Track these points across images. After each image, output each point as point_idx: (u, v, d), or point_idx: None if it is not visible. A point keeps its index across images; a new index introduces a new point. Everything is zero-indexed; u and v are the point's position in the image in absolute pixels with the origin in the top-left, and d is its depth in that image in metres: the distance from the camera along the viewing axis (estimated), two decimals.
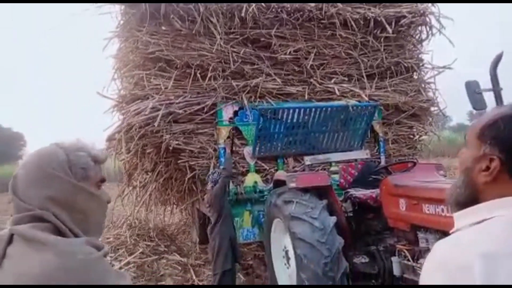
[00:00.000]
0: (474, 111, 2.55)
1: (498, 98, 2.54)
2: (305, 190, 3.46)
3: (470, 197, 0.83)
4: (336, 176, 4.45)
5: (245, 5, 4.68)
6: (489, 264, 0.67)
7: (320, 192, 3.52)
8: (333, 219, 3.25)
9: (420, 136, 5.97)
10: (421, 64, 5.78)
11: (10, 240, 0.86)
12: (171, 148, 4.57)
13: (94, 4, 5.03)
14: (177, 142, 4.55)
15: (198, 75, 4.70)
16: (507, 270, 0.66)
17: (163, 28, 4.72)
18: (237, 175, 4.92)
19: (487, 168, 0.79)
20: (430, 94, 5.88)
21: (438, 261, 0.76)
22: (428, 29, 5.68)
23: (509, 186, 0.77)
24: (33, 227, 0.86)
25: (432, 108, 5.87)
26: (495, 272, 0.66)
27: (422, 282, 0.78)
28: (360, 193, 3.66)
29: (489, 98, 2.62)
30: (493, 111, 0.87)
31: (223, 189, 4.01)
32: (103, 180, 1.02)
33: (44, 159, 0.94)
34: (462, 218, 0.84)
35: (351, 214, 3.76)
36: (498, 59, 2.57)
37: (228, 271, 3.87)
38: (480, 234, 0.75)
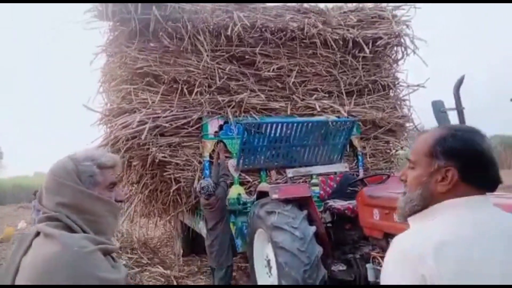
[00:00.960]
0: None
1: (461, 116, 2.81)
2: (286, 201, 3.62)
3: (424, 205, 0.97)
4: (317, 188, 4.64)
5: (231, 24, 4.91)
6: (442, 252, 0.82)
7: (301, 203, 3.69)
8: (313, 228, 3.42)
9: (396, 150, 6.26)
10: (396, 83, 6.11)
11: (36, 234, 1.02)
12: (157, 160, 4.69)
13: (84, 18, 5.15)
14: (163, 155, 4.67)
15: (185, 90, 4.87)
16: (456, 256, 0.82)
17: (152, 44, 4.88)
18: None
19: (443, 179, 0.93)
20: (405, 110, 6.20)
21: (399, 252, 0.89)
22: (403, 49, 6.04)
23: (466, 191, 0.92)
24: (47, 225, 1.03)
25: (407, 124, 6.18)
26: (446, 258, 0.82)
27: (384, 273, 0.91)
28: (338, 204, 3.86)
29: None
30: (434, 132, 1.01)
31: (226, 191, 4.50)
32: (113, 184, 1.17)
33: (56, 170, 1.10)
34: (417, 219, 0.98)
35: (330, 224, 3.94)
36: (460, 81, 2.84)
37: (230, 266, 4.42)
38: (434, 228, 0.90)
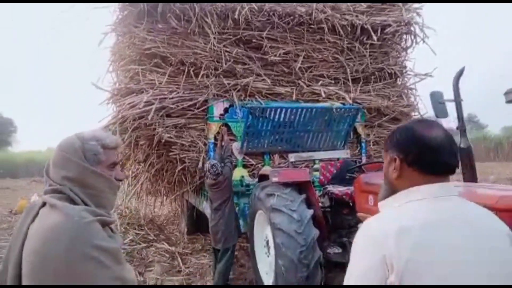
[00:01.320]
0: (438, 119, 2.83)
1: (459, 108, 2.84)
2: (286, 185, 3.73)
3: (391, 191, 1.11)
4: (318, 173, 4.74)
5: (238, 7, 4.92)
6: (402, 236, 0.91)
7: (300, 187, 3.80)
8: (310, 212, 3.53)
9: None
10: (404, 71, 6.07)
11: (43, 205, 1.14)
12: (163, 140, 4.80)
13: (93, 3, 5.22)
14: (169, 135, 4.78)
15: (192, 72, 4.93)
16: (414, 240, 0.91)
17: (160, 26, 4.93)
18: None
19: (395, 168, 1.08)
20: (412, 99, 6.19)
21: (366, 233, 1.00)
22: (412, 37, 5.98)
23: (412, 175, 1.05)
24: (52, 196, 1.15)
25: (412, 113, 6.17)
26: (405, 241, 0.91)
27: (353, 252, 1.01)
28: (336, 189, 3.95)
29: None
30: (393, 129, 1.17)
31: (231, 171, 4.55)
32: (114, 163, 1.29)
33: (64, 146, 1.22)
34: (385, 205, 1.11)
35: (328, 209, 4.05)
36: (460, 73, 2.86)
37: (234, 245, 4.45)
38: (398, 213, 1.02)
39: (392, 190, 1.10)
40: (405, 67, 6.14)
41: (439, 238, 0.92)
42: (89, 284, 1.05)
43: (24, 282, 1.06)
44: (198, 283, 4.47)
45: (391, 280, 0.89)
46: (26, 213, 1.16)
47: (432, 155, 1.03)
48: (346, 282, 1.00)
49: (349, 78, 5.63)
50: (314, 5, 5.33)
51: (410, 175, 1.05)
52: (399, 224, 0.94)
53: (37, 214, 1.13)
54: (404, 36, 5.99)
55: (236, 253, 5.91)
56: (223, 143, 4.88)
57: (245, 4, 4.92)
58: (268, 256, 3.98)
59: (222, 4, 4.88)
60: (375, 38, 5.50)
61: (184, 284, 4.70)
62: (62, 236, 1.04)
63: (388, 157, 1.10)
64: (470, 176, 2.76)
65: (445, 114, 2.84)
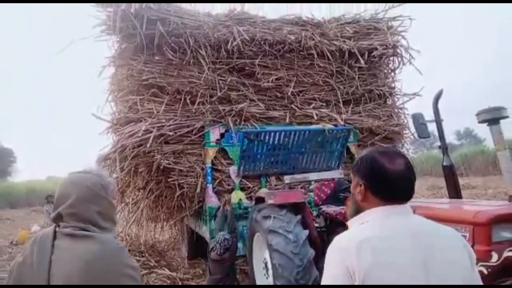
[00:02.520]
0: (419, 139, 2.98)
1: (439, 128, 3.00)
2: (282, 206, 3.84)
3: (357, 210, 1.27)
4: (313, 194, 4.85)
5: (230, 38, 5.17)
6: (362, 248, 1.07)
7: (296, 208, 3.91)
8: (306, 232, 3.63)
9: None
10: (392, 91, 6.30)
11: (54, 237, 1.29)
12: (161, 167, 4.94)
13: (93, 32, 5.45)
14: (167, 162, 4.93)
15: (188, 100, 5.14)
16: (371, 251, 1.07)
17: (156, 57, 5.17)
18: (223, 192, 5.31)
19: (359, 191, 1.24)
20: (403, 118, 6.38)
21: (333, 247, 1.17)
22: (398, 59, 6.23)
23: (373, 200, 1.21)
24: (75, 228, 1.30)
25: (404, 132, 6.35)
26: (364, 252, 1.06)
27: (325, 262, 1.17)
28: (331, 209, 4.06)
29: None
30: (359, 155, 1.31)
31: (236, 247, 4.41)
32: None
33: (91, 184, 1.38)
34: (352, 223, 1.27)
35: (324, 229, 4.14)
36: (439, 95, 3.03)
37: None
38: (359, 230, 1.18)
39: (357, 209, 1.26)
40: (394, 87, 6.36)
41: (391, 247, 1.09)
42: None
43: None
44: None
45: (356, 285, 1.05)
46: (38, 246, 1.29)
47: (391, 187, 1.19)
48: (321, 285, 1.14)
49: (340, 100, 5.83)
50: (303, 32, 5.61)
51: (372, 200, 1.21)
52: (358, 239, 1.11)
53: (53, 245, 1.27)
54: (391, 58, 6.25)
55: (237, 276, 5.97)
56: (225, 212, 4.78)
57: (237, 36, 5.18)
58: (267, 278, 4.03)
59: (215, 36, 5.14)
60: (362, 61, 5.74)
61: None
62: (104, 260, 1.24)
63: (355, 181, 1.26)
64: (454, 192, 2.89)
65: (427, 134, 3.00)
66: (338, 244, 1.15)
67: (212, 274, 4.20)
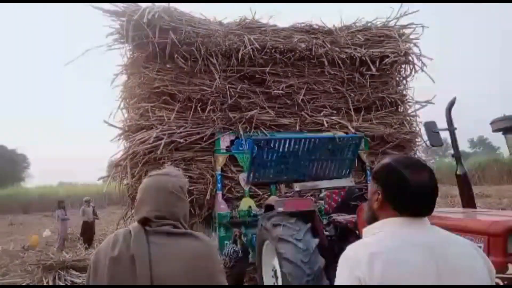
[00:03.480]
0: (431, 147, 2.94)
1: (452, 136, 2.96)
2: (292, 214, 3.81)
3: (372, 218, 1.23)
4: (323, 202, 4.80)
5: (242, 46, 5.21)
6: (373, 260, 1.05)
7: (306, 216, 3.87)
8: (316, 241, 3.58)
9: None
10: (404, 99, 6.24)
11: (146, 233, 1.31)
12: None
13: (106, 41, 5.55)
14: (177, 169, 4.94)
15: (199, 108, 5.18)
16: (383, 263, 1.04)
17: (168, 66, 5.24)
18: (233, 199, 5.30)
19: (377, 199, 1.20)
20: (415, 126, 6.31)
21: (345, 256, 1.14)
22: (410, 67, 6.19)
23: (389, 209, 1.17)
24: (172, 227, 1.35)
25: (416, 139, 6.28)
26: (376, 264, 1.04)
27: (337, 270, 1.14)
28: (341, 218, 4.01)
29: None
30: (384, 159, 1.28)
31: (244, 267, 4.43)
32: None
33: (172, 187, 1.40)
34: (366, 232, 1.24)
35: (334, 237, 4.09)
36: (452, 103, 2.99)
37: None
38: (372, 241, 1.14)
39: (372, 216, 1.22)
40: (405, 95, 6.31)
41: (402, 259, 1.06)
42: None
43: None
44: None
45: None
46: (135, 241, 1.28)
47: (411, 201, 1.14)
48: None
49: (351, 107, 5.81)
50: (314, 40, 5.62)
51: (389, 211, 1.17)
52: (370, 250, 1.08)
53: (148, 243, 1.28)
54: (403, 66, 6.21)
55: (246, 283, 5.93)
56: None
57: (248, 44, 5.22)
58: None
59: (226, 44, 5.18)
60: (374, 69, 5.72)
61: None
62: (211, 253, 1.34)
63: (374, 188, 1.22)
64: (468, 201, 2.84)
65: (439, 142, 2.96)
66: (349, 255, 1.12)
67: None
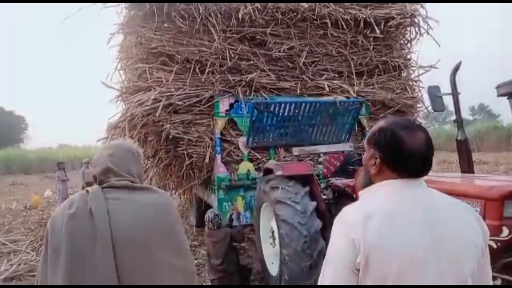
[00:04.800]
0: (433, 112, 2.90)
1: (456, 101, 2.91)
2: (290, 178, 3.84)
3: (369, 183, 1.22)
4: (322, 166, 4.84)
5: (242, 6, 5.01)
6: (368, 222, 1.04)
7: (304, 180, 3.91)
8: (313, 204, 3.65)
9: None
10: (408, 64, 6.10)
11: (104, 192, 1.35)
12: (171, 136, 4.95)
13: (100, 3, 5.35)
14: (176, 131, 4.93)
15: (197, 69, 5.06)
16: (377, 225, 1.04)
17: (166, 25, 5.05)
18: (231, 163, 5.33)
19: (374, 164, 1.18)
20: (417, 92, 6.22)
21: (340, 219, 1.14)
22: (416, 29, 6.00)
23: (388, 174, 1.16)
24: (127, 183, 1.39)
25: (418, 105, 6.21)
26: (370, 226, 1.04)
27: (332, 230, 1.14)
28: (339, 182, 4.05)
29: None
30: (377, 124, 1.24)
31: (239, 235, 4.22)
32: None
33: (133, 149, 1.53)
34: (362, 194, 1.23)
35: (332, 201, 4.15)
36: (457, 67, 2.92)
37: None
38: (367, 204, 1.14)
39: (369, 181, 1.21)
40: (409, 59, 6.17)
41: (400, 222, 1.05)
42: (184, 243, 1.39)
43: (129, 248, 1.25)
44: (207, 274, 4.63)
45: (358, 261, 1.02)
46: (92, 198, 1.31)
47: (409, 162, 1.13)
48: (325, 260, 1.13)
49: (353, 71, 5.69)
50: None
51: (387, 173, 1.16)
52: (365, 212, 1.07)
53: (105, 199, 1.31)
54: (408, 29, 6.01)
55: (243, 244, 6.11)
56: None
57: (248, 4, 5.00)
58: (273, 247, 4.11)
59: (226, 4, 4.97)
60: (378, 31, 5.55)
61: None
62: (169, 205, 1.40)
63: (370, 153, 1.20)
64: (467, 167, 2.85)
65: (442, 107, 2.92)
66: (344, 217, 1.12)
67: (211, 256, 4.09)
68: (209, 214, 4.14)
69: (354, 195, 3.87)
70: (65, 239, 1.22)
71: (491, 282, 1.14)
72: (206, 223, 4.14)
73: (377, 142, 1.17)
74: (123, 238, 1.24)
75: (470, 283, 1.04)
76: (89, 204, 1.28)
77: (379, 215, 1.06)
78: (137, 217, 1.28)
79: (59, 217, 1.29)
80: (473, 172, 2.92)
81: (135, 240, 1.24)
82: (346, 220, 1.10)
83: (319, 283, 1.10)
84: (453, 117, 3.02)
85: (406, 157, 1.12)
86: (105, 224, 1.23)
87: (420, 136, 1.13)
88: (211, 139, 5.15)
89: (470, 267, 1.05)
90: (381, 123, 1.22)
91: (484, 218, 2.09)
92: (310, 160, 5.33)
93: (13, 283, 4.79)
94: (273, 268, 4.02)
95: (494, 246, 1.92)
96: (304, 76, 5.53)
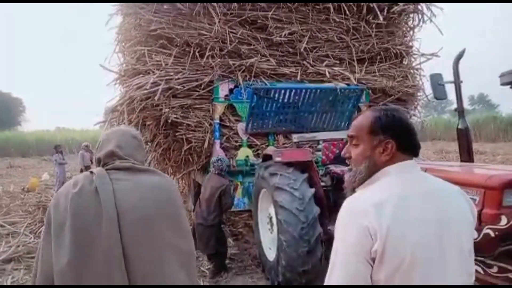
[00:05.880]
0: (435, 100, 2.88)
1: (458, 90, 2.88)
2: (289, 164, 3.84)
3: (370, 175, 1.15)
4: (321, 153, 4.83)
5: None
6: (381, 208, 1.02)
7: (303, 166, 3.90)
8: (312, 190, 3.65)
9: None
10: (410, 51, 6.04)
11: (109, 173, 1.35)
12: (169, 121, 4.91)
13: None
14: (175, 116, 4.89)
15: (197, 53, 4.98)
16: (390, 210, 1.01)
17: (165, 7, 4.95)
18: (230, 149, 5.31)
19: (383, 150, 1.13)
20: (418, 80, 6.17)
21: (348, 210, 1.09)
22: (419, 16, 5.91)
23: (399, 157, 1.13)
24: (134, 164, 1.41)
25: (418, 93, 6.17)
26: (384, 212, 1.01)
27: (337, 226, 1.10)
28: (338, 169, 4.05)
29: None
30: (369, 113, 1.19)
31: (230, 196, 4.41)
32: None
33: (138, 136, 1.54)
34: (363, 187, 1.17)
35: (330, 188, 4.16)
36: (460, 55, 2.88)
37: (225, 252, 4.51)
38: (373, 191, 1.11)
39: (372, 173, 1.15)
40: (411, 47, 6.10)
41: (411, 207, 1.04)
42: (186, 224, 1.40)
43: (135, 227, 1.25)
44: (205, 258, 4.66)
45: (375, 249, 0.99)
46: (98, 177, 1.31)
47: (414, 140, 1.17)
48: (333, 256, 1.07)
49: (354, 58, 5.63)
50: None
51: (397, 157, 1.13)
52: (378, 198, 1.04)
53: (110, 179, 1.31)
54: (411, 15, 5.93)
55: (241, 229, 6.15)
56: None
57: None
58: (271, 232, 4.14)
59: None
60: (381, 17, 5.46)
61: None
62: (172, 187, 1.41)
63: (376, 141, 1.14)
64: (466, 156, 2.84)
65: (444, 96, 2.89)
66: (351, 207, 1.08)
67: (200, 239, 4.22)
68: (213, 158, 4.47)
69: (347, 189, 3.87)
70: (70, 216, 1.23)
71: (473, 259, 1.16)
72: (210, 168, 4.48)
73: (388, 127, 1.14)
74: (128, 217, 1.24)
75: (468, 260, 1.07)
76: (95, 183, 1.29)
77: (394, 199, 1.03)
78: (141, 197, 1.29)
79: (63, 195, 1.29)
80: (472, 161, 2.92)
81: (140, 220, 1.26)
82: (355, 209, 1.06)
83: (326, 281, 1.06)
84: (452, 107, 3.02)
85: (413, 136, 1.16)
86: (111, 202, 1.24)
87: (407, 117, 1.20)
88: (210, 124, 5.12)
89: (468, 244, 1.08)
90: (375, 111, 1.19)
91: (482, 207, 2.09)
92: (309, 147, 5.31)
93: (12, 264, 4.82)
94: (271, 254, 4.05)
95: (493, 234, 1.93)
96: (304, 62, 5.47)
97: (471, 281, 1.11)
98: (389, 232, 0.98)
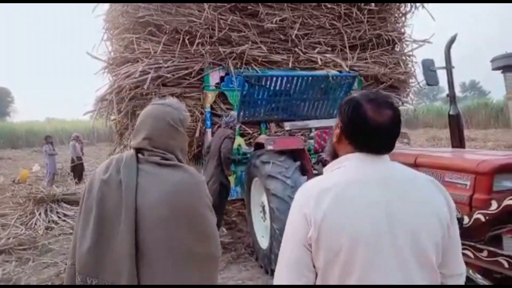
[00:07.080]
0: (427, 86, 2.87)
1: (449, 75, 2.87)
2: (281, 152, 3.82)
3: (332, 151, 1.20)
4: (313, 141, 4.81)
5: None
6: (321, 196, 1.02)
7: (295, 154, 3.89)
8: (304, 178, 3.64)
9: (398, 106, 6.31)
10: (402, 37, 6.01)
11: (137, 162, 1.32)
12: None
13: None
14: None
15: (187, 40, 4.89)
16: (329, 199, 1.01)
17: None
18: None
19: (336, 133, 1.16)
20: (410, 66, 6.16)
21: (298, 193, 1.11)
22: (411, 2, 5.86)
23: (346, 145, 1.12)
24: (163, 158, 1.34)
25: (410, 80, 6.16)
26: (322, 200, 1.01)
27: (293, 204, 1.11)
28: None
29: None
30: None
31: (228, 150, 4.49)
32: None
33: (172, 118, 1.38)
34: (326, 169, 1.20)
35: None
36: (452, 40, 2.86)
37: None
38: (334, 174, 1.11)
39: (333, 150, 1.19)
40: (403, 33, 6.07)
41: (355, 195, 1.03)
42: (208, 227, 1.33)
43: (151, 227, 1.23)
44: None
45: (310, 235, 1.01)
46: (125, 167, 1.30)
47: (367, 138, 1.09)
48: (283, 239, 1.11)
49: (346, 45, 5.58)
50: None
51: (346, 145, 1.13)
52: (320, 187, 1.05)
53: (137, 169, 1.30)
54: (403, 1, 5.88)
55: (234, 218, 6.16)
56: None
57: None
58: (264, 221, 4.14)
59: None
60: (373, 3, 5.40)
61: None
62: (197, 185, 1.33)
63: (337, 121, 1.17)
64: (458, 142, 2.84)
65: (436, 81, 2.88)
66: (302, 192, 1.11)
67: (209, 164, 4.46)
68: (228, 116, 4.66)
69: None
70: (96, 203, 1.28)
71: (460, 251, 1.13)
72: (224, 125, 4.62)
73: (341, 112, 1.14)
74: (146, 218, 1.24)
75: (432, 254, 1.02)
76: (121, 174, 1.29)
77: (334, 189, 1.03)
78: (162, 195, 1.26)
79: (96, 180, 1.33)
80: (464, 147, 2.93)
81: (156, 221, 1.24)
82: (303, 195, 1.09)
83: (278, 260, 1.10)
84: (444, 94, 3.01)
85: (364, 131, 1.08)
86: (132, 198, 1.24)
87: (386, 113, 1.07)
88: (201, 113, 5.06)
89: (432, 238, 1.02)
90: (354, 94, 1.18)
91: (473, 192, 2.10)
92: (302, 135, 5.30)
93: (3, 256, 4.77)
94: (263, 242, 4.06)
95: (483, 219, 1.94)
96: (296, 49, 5.41)
97: (432, 276, 1.04)
98: (325, 219, 0.99)
